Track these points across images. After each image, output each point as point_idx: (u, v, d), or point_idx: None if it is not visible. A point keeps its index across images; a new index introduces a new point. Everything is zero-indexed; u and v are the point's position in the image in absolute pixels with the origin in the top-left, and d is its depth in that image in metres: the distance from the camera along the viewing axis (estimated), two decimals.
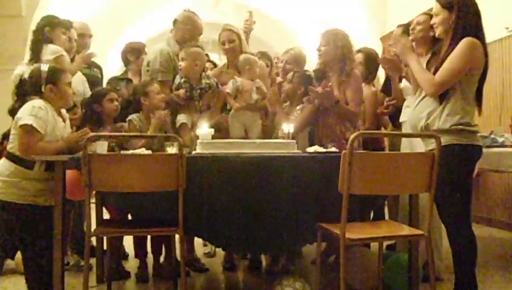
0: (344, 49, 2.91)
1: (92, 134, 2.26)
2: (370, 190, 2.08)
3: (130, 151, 2.39)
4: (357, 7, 6.50)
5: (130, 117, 2.90)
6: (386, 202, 3.16)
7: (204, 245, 3.65)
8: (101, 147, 2.43)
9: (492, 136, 3.31)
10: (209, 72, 3.28)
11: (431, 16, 2.66)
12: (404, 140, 3.12)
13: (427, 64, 2.45)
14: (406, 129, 3.02)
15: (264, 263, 3.28)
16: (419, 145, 2.57)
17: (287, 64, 3.40)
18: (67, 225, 2.81)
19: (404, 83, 3.10)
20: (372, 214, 2.88)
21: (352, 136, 1.95)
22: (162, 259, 3.03)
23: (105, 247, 2.89)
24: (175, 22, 3.18)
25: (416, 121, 2.36)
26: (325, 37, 2.96)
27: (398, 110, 3.16)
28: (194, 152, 2.43)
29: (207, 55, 3.25)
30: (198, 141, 2.48)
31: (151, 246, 3.00)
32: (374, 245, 2.89)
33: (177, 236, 2.26)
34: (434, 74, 2.27)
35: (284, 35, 8.18)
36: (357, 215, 2.36)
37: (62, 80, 2.51)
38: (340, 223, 1.95)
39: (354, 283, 2.60)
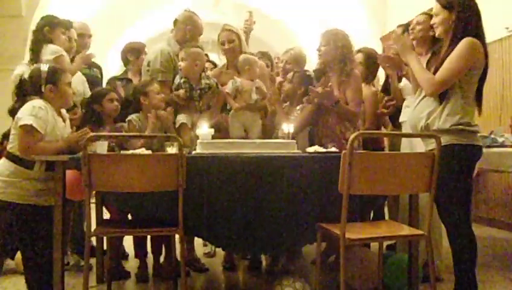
0: (344, 49, 2.91)
1: (92, 134, 2.26)
2: (370, 190, 2.08)
3: (130, 151, 2.39)
4: (357, 7, 6.50)
5: (129, 117, 2.90)
6: (386, 202, 3.15)
7: (204, 245, 3.65)
8: (101, 147, 2.43)
9: (492, 136, 3.31)
10: (209, 72, 3.28)
11: (431, 16, 2.66)
12: (404, 140, 3.12)
13: (427, 64, 2.45)
14: (405, 129, 3.02)
15: (264, 263, 3.28)
16: (420, 145, 2.57)
17: (287, 64, 3.40)
18: (67, 225, 2.81)
19: (403, 83, 3.10)
20: (372, 214, 2.89)
21: (352, 136, 1.95)
22: (162, 259, 3.03)
23: (105, 247, 2.89)
24: (175, 22, 3.18)
25: (416, 121, 2.36)
26: (325, 37, 2.96)
27: (398, 110, 3.16)
28: (194, 152, 2.44)
29: (206, 55, 3.25)
30: (198, 141, 2.48)
31: (151, 246, 3.00)
32: (374, 245, 2.89)
33: (177, 236, 2.26)
34: (434, 73, 2.27)
35: (284, 35, 8.18)
36: (357, 215, 2.36)
37: (62, 80, 2.51)
38: (340, 223, 1.96)
39: (354, 283, 2.60)
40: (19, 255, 2.58)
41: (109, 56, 6.78)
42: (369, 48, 3.52)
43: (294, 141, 2.57)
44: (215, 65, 3.87)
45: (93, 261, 2.90)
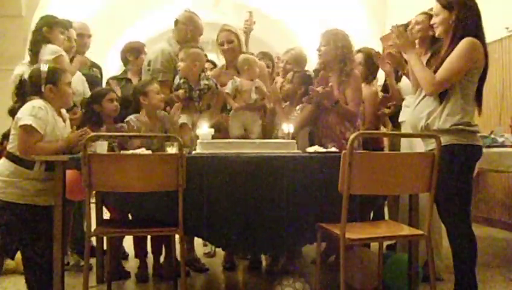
0: (344, 49, 2.91)
1: (92, 134, 2.26)
2: (370, 190, 2.08)
3: (130, 151, 2.39)
4: (357, 7, 6.50)
5: (128, 118, 2.90)
6: (386, 202, 3.15)
7: (204, 245, 3.65)
8: (101, 147, 2.43)
9: (492, 136, 3.32)
10: (208, 73, 3.28)
11: (430, 16, 2.66)
12: (403, 140, 3.12)
13: (427, 64, 2.45)
14: (405, 129, 3.02)
15: (264, 263, 3.28)
16: (419, 145, 2.57)
17: (288, 64, 3.40)
18: (67, 225, 2.81)
19: (402, 82, 3.10)
20: (372, 214, 2.88)
21: (352, 136, 1.95)
22: (162, 259, 3.03)
23: (105, 247, 2.89)
24: (176, 22, 3.18)
25: (416, 121, 2.36)
26: (325, 37, 2.96)
27: (397, 110, 3.16)
28: (194, 152, 2.44)
29: (206, 55, 3.25)
30: (198, 141, 2.48)
31: (151, 246, 3.00)
32: (374, 245, 2.88)
33: (177, 236, 2.26)
34: (434, 73, 2.27)
35: (284, 35, 8.18)
36: (357, 215, 2.36)
37: (62, 80, 2.51)
38: (340, 223, 1.96)
39: (354, 283, 2.60)
40: (19, 255, 2.57)
41: (109, 56, 6.78)
42: (369, 48, 3.52)
43: (294, 141, 2.57)
44: (214, 65, 3.87)
45: (93, 261, 2.90)
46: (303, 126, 2.97)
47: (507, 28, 4.39)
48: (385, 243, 2.96)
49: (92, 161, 2.04)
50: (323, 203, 2.34)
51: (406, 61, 2.83)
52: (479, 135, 2.35)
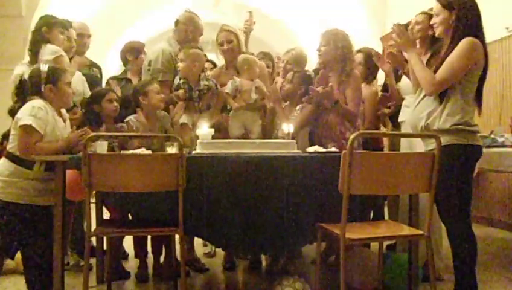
0: (344, 49, 2.91)
1: (92, 134, 2.26)
2: (370, 190, 2.08)
3: (130, 151, 2.39)
4: (357, 7, 6.50)
5: (127, 118, 2.91)
6: (386, 202, 3.16)
7: (204, 245, 3.65)
8: (101, 147, 2.43)
9: (492, 136, 3.31)
10: (208, 73, 3.28)
11: (429, 16, 2.66)
12: (403, 140, 3.12)
13: (427, 64, 2.45)
14: (404, 129, 3.02)
15: (264, 263, 3.28)
16: (419, 145, 2.57)
17: (288, 64, 3.40)
18: (67, 225, 2.82)
19: (402, 82, 3.10)
20: (372, 214, 2.89)
21: (352, 136, 1.95)
22: (162, 259, 3.03)
23: (105, 247, 2.89)
24: (177, 22, 3.19)
25: (416, 121, 2.36)
26: (325, 37, 2.96)
27: (398, 110, 3.16)
28: (194, 152, 2.44)
29: (205, 55, 3.25)
30: (198, 141, 2.48)
31: (151, 246, 3.00)
32: (374, 245, 2.88)
33: (177, 236, 2.26)
34: (434, 73, 2.27)
35: (284, 35, 8.18)
36: (357, 215, 2.36)
37: (62, 80, 2.51)
38: (340, 223, 1.95)
39: (354, 283, 2.60)
40: (19, 255, 2.58)
41: (109, 56, 6.78)
42: (369, 48, 3.52)
43: (294, 141, 2.57)
44: (214, 65, 3.87)
45: (93, 261, 2.90)
46: (303, 126, 2.97)
47: (507, 28, 4.39)
48: (385, 243, 2.96)
49: (92, 161, 2.04)
50: (323, 203, 2.34)
51: (406, 61, 2.83)
52: (479, 135, 2.35)
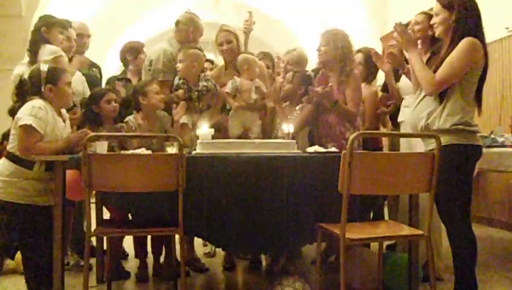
0: (344, 49, 2.91)
1: (92, 134, 2.26)
2: (370, 190, 2.08)
3: (130, 151, 2.39)
4: (357, 7, 6.50)
5: (127, 118, 2.91)
6: (386, 202, 3.15)
7: (204, 245, 3.64)
8: (101, 147, 2.43)
9: (492, 136, 3.32)
10: (208, 73, 3.28)
11: (429, 16, 2.66)
12: (402, 140, 3.12)
13: (427, 64, 2.45)
14: (404, 129, 3.02)
15: (264, 263, 3.28)
16: (419, 145, 2.57)
17: (288, 65, 3.40)
18: (67, 225, 2.81)
19: (401, 82, 3.10)
20: (371, 214, 2.89)
21: (352, 136, 1.95)
22: (162, 259, 3.03)
23: (105, 247, 2.89)
24: (177, 22, 3.19)
25: (416, 121, 2.36)
26: (325, 37, 2.96)
27: (398, 110, 3.16)
28: (194, 152, 2.44)
29: (204, 55, 3.25)
30: (198, 141, 2.48)
31: (151, 246, 3.00)
32: (374, 245, 2.88)
33: (177, 236, 2.26)
34: (434, 73, 2.27)
35: (284, 35, 8.18)
36: (357, 215, 2.36)
37: (62, 80, 2.51)
38: (340, 223, 1.95)
39: (354, 283, 2.60)
40: (19, 255, 2.58)
41: (109, 56, 6.78)
42: (369, 48, 3.52)
43: (294, 141, 2.57)
44: (213, 63, 3.88)
45: (93, 261, 2.90)
46: (303, 126, 2.97)
47: (507, 28, 4.39)
48: (385, 243, 2.96)
49: (92, 161, 2.04)
50: (323, 203, 2.34)
51: (406, 61, 2.83)
52: (479, 134, 2.35)
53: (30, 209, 2.39)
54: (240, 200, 2.31)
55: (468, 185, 2.27)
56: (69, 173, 2.36)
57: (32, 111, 2.34)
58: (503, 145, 3.20)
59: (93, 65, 3.73)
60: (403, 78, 2.99)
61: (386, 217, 3.24)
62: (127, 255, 3.45)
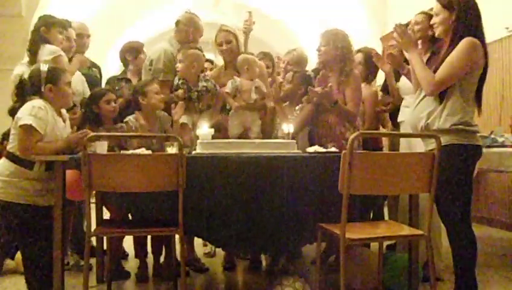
0: (344, 49, 2.91)
1: (92, 134, 2.26)
2: (370, 190, 2.08)
3: (130, 151, 2.39)
4: (357, 7, 6.50)
5: (127, 118, 2.91)
6: (386, 202, 3.15)
7: (204, 245, 3.64)
8: (101, 147, 2.43)
9: (492, 136, 3.31)
10: (208, 73, 3.28)
11: (429, 16, 2.66)
12: (402, 140, 3.12)
13: (426, 64, 2.45)
14: (404, 129, 3.02)
15: (264, 263, 3.28)
16: (419, 145, 2.57)
17: (289, 65, 3.40)
18: (67, 225, 2.81)
19: (401, 82, 3.10)
20: (371, 214, 2.89)
21: (352, 136, 1.95)
22: (162, 259, 3.03)
23: (105, 247, 2.89)
24: (178, 23, 3.19)
25: (416, 121, 2.36)
26: (324, 37, 2.96)
27: (398, 110, 3.16)
28: (194, 152, 2.44)
29: (204, 56, 3.25)
30: (198, 141, 2.48)
31: (151, 246, 3.00)
32: (374, 245, 2.89)
33: (177, 236, 2.26)
34: (434, 73, 2.27)
35: (284, 35, 8.18)
36: (357, 215, 2.36)
37: (62, 80, 2.51)
38: (340, 223, 1.96)
39: (354, 283, 2.60)
40: (19, 255, 2.58)
41: (109, 56, 6.78)
42: (369, 48, 3.52)
43: (294, 141, 2.57)
44: (212, 63, 3.88)
45: (93, 261, 2.90)
46: (303, 126, 2.97)
47: (507, 28, 4.39)
48: (385, 243, 2.96)
49: (92, 161, 2.04)
50: (323, 203, 2.34)
51: (406, 62, 2.83)
52: (479, 134, 2.35)
53: (30, 209, 2.39)
54: (239, 200, 2.31)
55: (468, 185, 2.27)
56: (69, 173, 2.36)
57: (33, 111, 2.34)
58: (503, 145, 3.20)
59: (93, 65, 3.73)
60: (403, 78, 2.99)
61: (386, 217, 3.24)
62: (127, 255, 3.45)
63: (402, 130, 3.07)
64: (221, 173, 2.29)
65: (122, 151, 2.51)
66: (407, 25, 2.96)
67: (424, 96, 2.34)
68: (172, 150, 2.32)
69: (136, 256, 3.05)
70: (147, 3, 7.73)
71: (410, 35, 2.42)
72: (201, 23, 3.22)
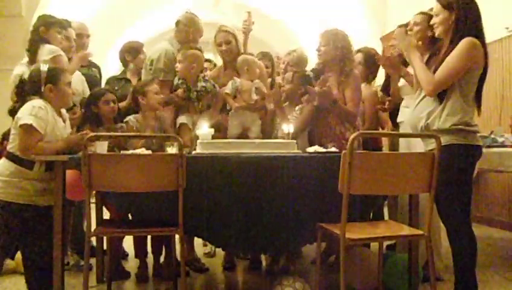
0: (344, 49, 2.91)
1: (91, 134, 2.26)
2: (370, 190, 2.08)
3: (130, 151, 2.39)
4: (357, 7, 6.50)
5: (127, 118, 2.91)
6: (386, 202, 3.15)
7: (204, 245, 3.64)
8: (101, 147, 2.43)
9: (492, 136, 3.31)
10: (208, 73, 3.28)
11: (428, 16, 2.66)
12: (401, 140, 3.12)
13: (426, 64, 2.45)
14: (403, 129, 3.02)
15: (264, 263, 3.28)
16: (419, 145, 2.57)
17: (289, 66, 3.39)
18: (67, 225, 2.81)
19: (401, 82, 3.10)
20: (371, 214, 2.89)
21: (352, 136, 1.95)
22: (162, 259, 3.03)
23: (105, 247, 2.89)
24: (178, 23, 3.19)
25: (416, 121, 2.36)
26: (324, 37, 2.96)
27: (398, 110, 3.16)
28: (194, 152, 2.44)
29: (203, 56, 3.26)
30: (198, 141, 2.48)
31: (151, 246, 3.00)
32: (374, 245, 2.88)
33: (177, 236, 2.26)
34: (433, 73, 2.27)
35: (284, 35, 8.18)
36: (357, 215, 2.36)
37: (62, 80, 2.51)
38: (340, 223, 1.95)
39: (354, 283, 2.60)
40: (19, 255, 2.58)
41: (109, 56, 6.78)
42: (369, 48, 3.52)
43: (294, 141, 2.57)
44: (211, 62, 3.89)
45: (93, 261, 2.90)
46: (304, 127, 2.95)
47: (507, 28, 4.39)
48: (385, 243, 2.96)
49: (92, 161, 2.04)
50: (323, 203, 2.34)
51: (405, 64, 2.84)
52: (479, 135, 2.35)
53: (30, 209, 2.39)
54: (239, 200, 2.31)
55: (468, 185, 2.27)
56: (69, 173, 2.36)
57: (33, 111, 2.34)
58: (503, 145, 3.20)
59: (92, 65, 3.73)
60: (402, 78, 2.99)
61: (386, 217, 3.24)
62: (127, 255, 3.45)
63: (401, 131, 3.07)
64: (221, 173, 2.29)
65: (122, 151, 2.51)
66: (406, 25, 2.97)
67: (424, 97, 2.34)
68: (172, 150, 2.32)
69: (136, 256, 3.05)
70: (147, 3, 7.73)
71: (409, 39, 2.43)
72: (201, 23, 3.22)
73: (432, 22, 2.40)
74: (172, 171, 2.10)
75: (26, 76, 2.58)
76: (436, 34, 2.39)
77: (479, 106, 2.35)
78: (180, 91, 2.90)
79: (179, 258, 2.46)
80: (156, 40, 5.17)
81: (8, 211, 2.37)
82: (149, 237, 2.97)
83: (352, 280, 2.59)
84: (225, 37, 3.13)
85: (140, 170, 2.09)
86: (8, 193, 2.37)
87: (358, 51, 3.39)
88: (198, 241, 3.30)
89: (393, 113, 3.27)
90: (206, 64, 3.58)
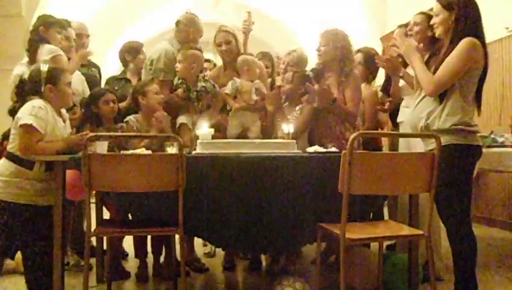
0: (343, 49, 2.91)
1: (91, 134, 2.26)
2: (370, 190, 2.08)
3: (130, 151, 2.39)
4: (357, 7, 6.50)
5: (127, 118, 2.91)
6: (386, 202, 3.15)
7: (204, 245, 3.65)
8: (101, 147, 2.43)
9: (492, 136, 3.31)
10: (208, 73, 3.28)
11: (428, 16, 2.66)
12: (401, 141, 3.12)
13: (426, 64, 2.45)
14: (403, 129, 3.02)
15: (264, 263, 3.28)
16: (418, 146, 2.57)
17: (289, 66, 3.39)
18: (67, 225, 2.81)
19: (402, 82, 3.10)
20: (371, 214, 2.89)
21: (352, 136, 1.95)
22: (162, 259, 3.03)
23: (105, 247, 2.89)
24: (178, 23, 3.19)
25: (416, 121, 2.36)
26: (324, 37, 2.96)
27: (397, 110, 3.16)
28: (194, 152, 2.44)
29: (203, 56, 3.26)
30: (198, 141, 2.48)
31: (151, 246, 3.00)
32: (374, 245, 2.89)
33: (177, 236, 2.26)
34: (433, 74, 2.27)
35: (284, 35, 8.18)
36: (357, 215, 2.36)
37: (62, 80, 2.51)
38: (340, 223, 1.96)
39: (354, 283, 2.60)
40: (19, 255, 2.58)
41: (109, 56, 6.78)
42: (369, 48, 3.52)
43: (294, 141, 2.57)
44: (210, 62, 3.89)
45: (93, 261, 2.90)
46: (305, 128, 2.94)
47: (507, 28, 4.39)
48: (385, 243, 2.96)
49: (92, 161, 2.04)
50: (323, 203, 2.34)
51: (404, 65, 2.84)
52: (479, 134, 2.35)
53: (30, 209, 2.39)
54: (239, 200, 2.31)
55: (468, 185, 2.27)
56: (69, 173, 2.36)
57: (33, 111, 2.34)
58: (503, 145, 3.20)
59: (92, 65, 3.73)
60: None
61: (386, 217, 3.23)
62: (127, 255, 3.45)
63: (401, 131, 3.07)
64: (221, 173, 2.29)
65: (122, 151, 2.51)
66: (406, 25, 2.97)
67: (424, 97, 2.34)
68: (172, 150, 2.32)
69: (136, 256, 3.05)
70: (147, 3, 7.74)
71: (409, 41, 2.43)
72: (201, 24, 3.22)
73: (431, 22, 2.40)
74: (172, 171, 2.10)
75: (26, 76, 2.58)
76: (436, 34, 2.39)
77: (479, 106, 2.35)
78: (180, 91, 2.90)
79: (179, 258, 2.46)
80: (156, 40, 5.16)
81: (8, 211, 2.37)
82: (149, 237, 2.97)
83: (352, 280, 2.59)
84: (225, 37, 3.13)
85: (140, 170, 2.09)
86: (8, 193, 2.37)
87: (358, 51, 3.39)
88: (198, 241, 3.30)
89: (393, 113, 3.27)
90: (206, 64, 3.58)
